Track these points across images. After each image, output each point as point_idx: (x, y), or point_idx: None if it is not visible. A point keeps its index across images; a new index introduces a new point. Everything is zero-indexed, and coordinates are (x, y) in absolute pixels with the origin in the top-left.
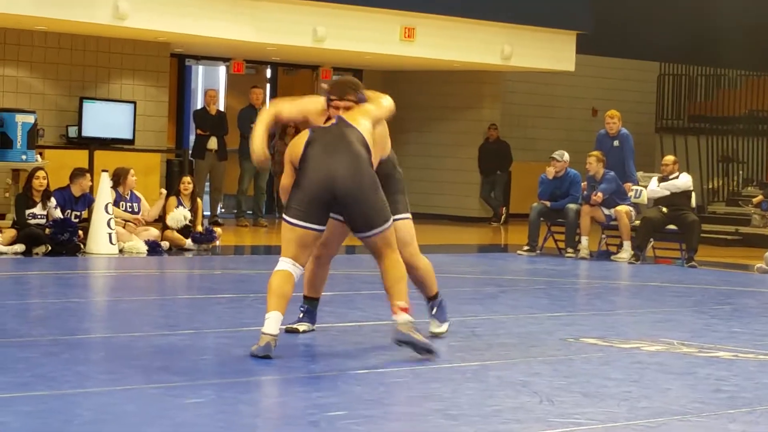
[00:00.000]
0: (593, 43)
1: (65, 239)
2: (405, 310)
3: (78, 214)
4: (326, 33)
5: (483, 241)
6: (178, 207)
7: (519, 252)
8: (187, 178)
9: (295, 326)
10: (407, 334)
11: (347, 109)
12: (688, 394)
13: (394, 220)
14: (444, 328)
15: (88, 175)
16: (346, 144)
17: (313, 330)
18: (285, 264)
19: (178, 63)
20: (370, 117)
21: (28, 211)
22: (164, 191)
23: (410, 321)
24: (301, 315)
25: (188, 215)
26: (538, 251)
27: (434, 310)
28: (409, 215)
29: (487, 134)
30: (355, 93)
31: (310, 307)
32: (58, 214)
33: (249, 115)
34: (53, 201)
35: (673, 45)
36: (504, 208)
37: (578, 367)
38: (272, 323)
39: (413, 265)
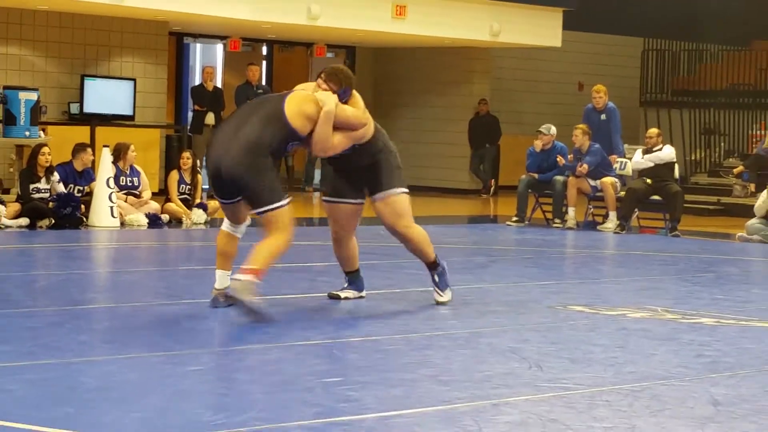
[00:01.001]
0: (579, 19)
1: (68, 213)
2: (248, 271)
3: (80, 188)
4: (320, 11)
5: (473, 212)
6: (184, 192)
7: (508, 223)
8: (186, 153)
9: (337, 292)
10: (235, 289)
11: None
12: (671, 359)
13: (389, 195)
14: (447, 296)
15: (89, 149)
16: (245, 120)
17: (362, 297)
18: (224, 225)
19: (176, 41)
20: (315, 108)
21: (32, 186)
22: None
23: (249, 282)
24: (346, 285)
25: (203, 215)
26: (527, 222)
27: (435, 277)
28: (404, 189)
29: (478, 109)
30: (339, 84)
31: (351, 278)
32: (61, 188)
33: (246, 91)
34: (56, 176)
35: (657, 21)
36: (493, 181)
37: (566, 333)
38: (218, 279)
39: (407, 237)
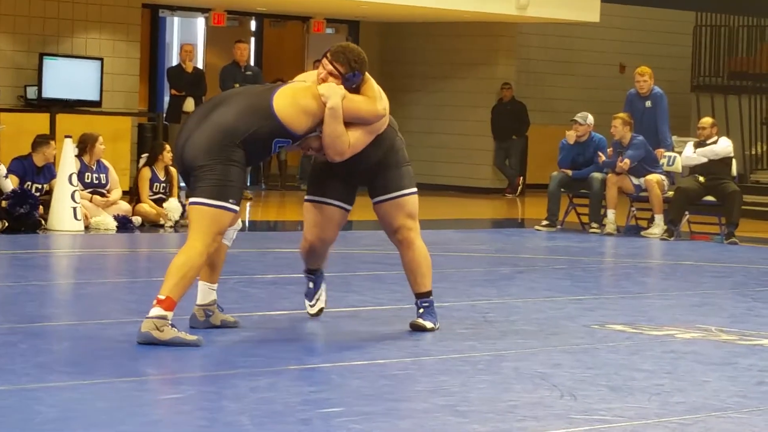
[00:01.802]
0: None
1: (24, 212)
2: (159, 302)
3: (39, 186)
4: None
5: (497, 215)
6: (158, 191)
7: (537, 227)
8: (167, 147)
9: (313, 304)
10: (146, 333)
11: (330, 73)
12: (727, 387)
13: (400, 195)
14: (430, 325)
15: (52, 143)
16: (221, 105)
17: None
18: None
19: (150, 14)
20: (314, 101)
21: None
22: None
23: (160, 316)
24: (311, 285)
25: (179, 207)
26: (559, 226)
27: (421, 310)
28: (414, 189)
29: (501, 94)
30: (347, 66)
31: (314, 275)
32: (9, 185)
33: (233, 73)
34: (2, 169)
35: None
36: (521, 178)
37: (604, 357)
38: (199, 294)
39: (409, 243)
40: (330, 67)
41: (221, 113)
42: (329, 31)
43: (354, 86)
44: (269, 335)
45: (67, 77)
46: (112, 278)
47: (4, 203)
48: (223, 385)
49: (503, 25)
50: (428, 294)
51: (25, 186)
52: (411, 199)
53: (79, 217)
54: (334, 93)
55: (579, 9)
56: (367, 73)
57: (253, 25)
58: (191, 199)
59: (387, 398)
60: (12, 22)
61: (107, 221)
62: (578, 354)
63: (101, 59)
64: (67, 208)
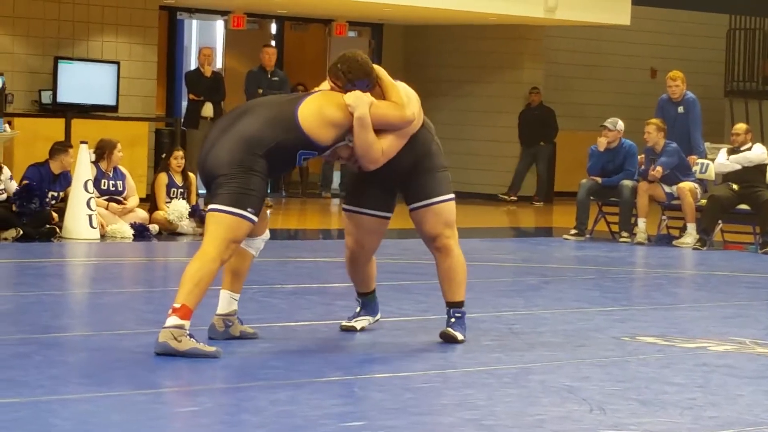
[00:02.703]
0: None
1: (36, 208)
2: (175, 311)
3: (55, 194)
4: None
5: (524, 223)
6: (176, 197)
7: (565, 236)
8: (180, 152)
9: (350, 324)
10: (164, 344)
11: (331, 90)
12: (762, 402)
13: (437, 202)
14: (460, 336)
15: (71, 151)
16: (247, 114)
17: (377, 321)
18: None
19: (168, 17)
20: (340, 112)
21: None
22: None
23: (177, 325)
24: (359, 309)
25: (187, 207)
26: (588, 235)
27: (452, 320)
28: (451, 195)
29: (529, 99)
30: (341, 79)
31: (365, 301)
32: (14, 185)
33: (258, 78)
34: (6, 172)
35: None
36: (536, 190)
37: (634, 370)
38: (220, 302)
39: (447, 250)
40: (332, 84)
41: (245, 123)
42: (352, 34)
43: (368, 91)
44: (289, 346)
45: (83, 81)
46: (129, 288)
47: (13, 206)
48: (242, 397)
49: (530, 27)
50: (461, 304)
51: (36, 196)
52: (448, 206)
53: (94, 224)
54: (362, 102)
55: (609, 11)
56: (387, 78)
57: (273, 28)
58: (210, 206)
59: (411, 412)
60: (26, 24)
61: (124, 229)
62: (608, 367)
63: (118, 63)
64: (82, 216)
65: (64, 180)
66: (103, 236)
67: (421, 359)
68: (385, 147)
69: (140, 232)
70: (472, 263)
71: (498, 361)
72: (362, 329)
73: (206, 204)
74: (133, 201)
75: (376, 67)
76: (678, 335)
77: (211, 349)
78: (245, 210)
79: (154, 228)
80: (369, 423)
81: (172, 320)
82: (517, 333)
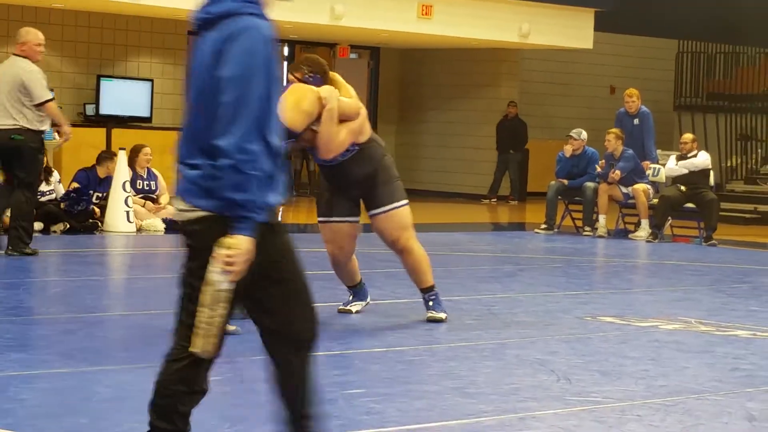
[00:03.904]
0: (612, 20)
1: (82, 209)
2: None
3: (100, 194)
4: (344, 11)
5: (501, 219)
6: None
7: (536, 230)
8: None
9: (346, 307)
10: None
11: (289, 82)
12: (705, 373)
13: (393, 208)
14: (443, 315)
15: (116, 158)
16: None
17: (368, 304)
18: None
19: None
20: (312, 105)
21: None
22: None
23: None
24: (351, 297)
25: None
26: (556, 229)
27: (430, 302)
28: (405, 201)
29: (506, 111)
30: (301, 72)
31: (354, 290)
32: (61, 188)
33: None
34: (56, 175)
35: (692, 22)
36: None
37: (595, 345)
38: None
39: (408, 250)
40: (291, 77)
41: None
42: (353, 56)
43: (320, 86)
44: None
45: (122, 96)
46: (160, 274)
47: (62, 205)
48: (258, 368)
49: (507, 51)
50: (432, 287)
51: (89, 195)
52: (402, 211)
53: (131, 219)
54: (333, 97)
55: (574, 37)
56: (339, 77)
57: (285, 50)
58: None
59: (403, 381)
60: (73, 47)
61: (157, 224)
62: (573, 342)
63: (151, 80)
64: (121, 212)
65: (107, 182)
66: (138, 230)
67: (412, 336)
68: (342, 138)
69: (171, 226)
70: (455, 253)
71: (478, 338)
72: (357, 312)
73: None
74: (164, 199)
75: (331, 72)
76: (633, 315)
77: (232, 327)
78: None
79: None
80: (368, 390)
81: None
82: (495, 313)
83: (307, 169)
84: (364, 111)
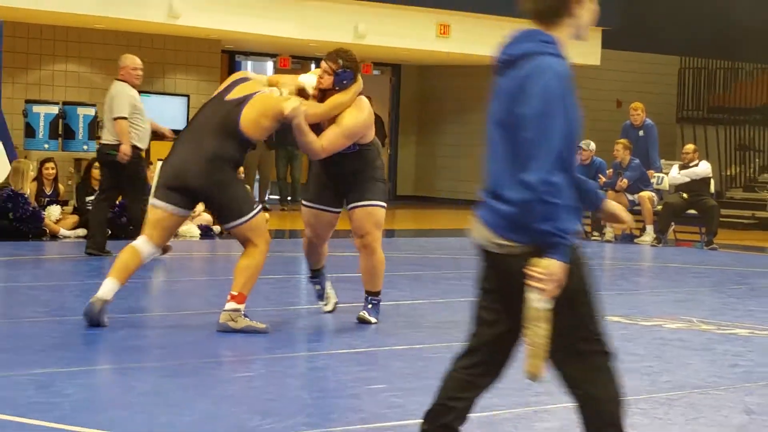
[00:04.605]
0: (618, 38)
1: (124, 223)
2: (233, 297)
3: None
4: (367, 30)
5: None
6: None
7: None
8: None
9: (327, 308)
10: (224, 324)
11: (325, 71)
12: (706, 369)
13: (371, 205)
14: (374, 320)
15: (152, 167)
16: (206, 132)
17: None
18: (138, 240)
19: (228, 59)
20: (271, 121)
21: (87, 198)
22: None
23: (233, 308)
24: (318, 287)
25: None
26: None
27: (369, 306)
28: (383, 203)
29: None
30: (337, 64)
31: (317, 275)
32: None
33: None
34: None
35: (693, 40)
36: None
37: None
38: (103, 287)
39: (372, 250)
40: (325, 65)
41: (210, 145)
42: (376, 72)
43: (343, 83)
44: (324, 324)
45: (159, 111)
46: (196, 277)
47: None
48: (287, 365)
49: None
50: (378, 293)
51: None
52: (379, 211)
53: None
54: (299, 113)
55: (583, 54)
56: (356, 90)
57: (312, 67)
58: (227, 226)
59: (423, 377)
60: (115, 65)
61: (192, 230)
62: None
63: (187, 96)
64: None
65: (147, 191)
66: (175, 235)
67: (430, 334)
68: (326, 144)
69: (205, 232)
70: (470, 258)
71: None
72: (336, 305)
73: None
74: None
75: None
76: (639, 315)
77: (262, 325)
78: (251, 211)
79: (216, 229)
80: (389, 386)
81: (231, 305)
82: None
83: (310, 171)
84: (370, 119)
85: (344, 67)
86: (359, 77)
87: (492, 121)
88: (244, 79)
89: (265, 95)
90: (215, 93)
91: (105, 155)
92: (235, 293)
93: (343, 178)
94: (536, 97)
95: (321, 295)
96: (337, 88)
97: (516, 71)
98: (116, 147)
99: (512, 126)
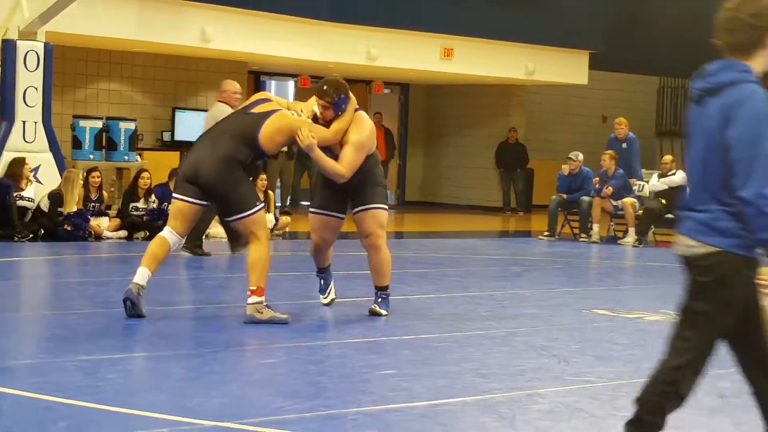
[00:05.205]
0: (603, 60)
1: (160, 225)
2: (253, 292)
3: None
4: (378, 53)
5: (510, 227)
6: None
7: (540, 237)
8: (263, 176)
9: (326, 300)
10: (250, 316)
11: (323, 107)
12: None
13: (374, 207)
14: (384, 312)
15: None
16: (223, 135)
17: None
18: (164, 231)
19: (254, 79)
20: (285, 137)
21: (132, 204)
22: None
23: (257, 302)
24: (322, 282)
25: (272, 219)
26: (557, 236)
27: (379, 299)
28: (386, 206)
29: (508, 135)
30: (331, 96)
31: (324, 274)
32: (154, 204)
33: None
34: (153, 197)
35: (671, 62)
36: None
37: (590, 333)
38: (138, 274)
39: (376, 247)
40: (321, 102)
41: (225, 147)
42: (386, 91)
43: (342, 110)
44: (340, 316)
45: (193, 125)
46: (225, 274)
47: (145, 218)
48: (306, 353)
49: (515, 86)
50: (386, 288)
51: (163, 205)
52: (382, 213)
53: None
54: (313, 146)
55: (572, 74)
56: (362, 113)
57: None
58: (231, 218)
59: (428, 363)
60: (152, 84)
61: (221, 231)
62: (571, 331)
63: None
64: None
65: None
66: (206, 236)
67: (436, 326)
68: (346, 164)
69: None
70: (471, 256)
71: (491, 327)
72: (332, 300)
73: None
74: None
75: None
76: (622, 308)
77: (284, 316)
78: (252, 208)
79: None
80: (398, 371)
81: (253, 299)
82: (505, 307)
83: (309, 179)
84: (373, 129)
85: (337, 96)
86: (351, 95)
87: (693, 144)
88: (266, 99)
89: (284, 114)
90: (239, 107)
91: None
92: (253, 288)
93: (347, 185)
94: (745, 121)
95: (323, 290)
96: (338, 114)
97: (719, 99)
98: None
99: (719, 148)
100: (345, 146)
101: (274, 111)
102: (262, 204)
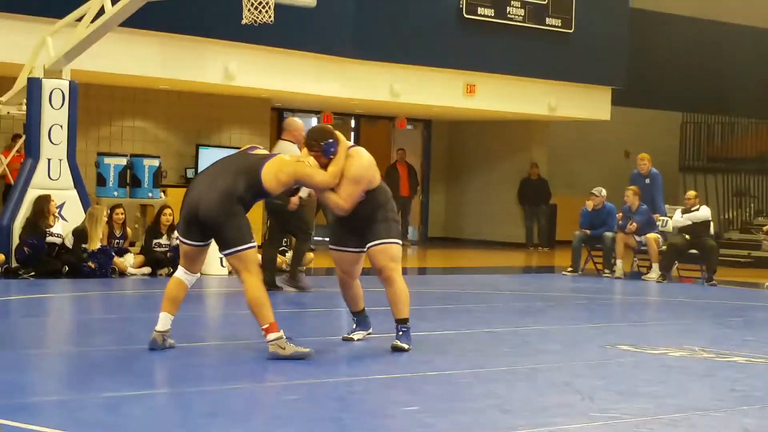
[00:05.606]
0: (626, 96)
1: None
2: (268, 330)
3: None
4: (401, 89)
5: (533, 263)
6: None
7: (564, 272)
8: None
9: (349, 335)
10: (273, 352)
11: (315, 157)
12: (707, 393)
13: (385, 243)
14: (406, 346)
15: None
16: (223, 172)
17: (370, 334)
18: (179, 272)
19: (277, 115)
20: (288, 177)
21: (155, 241)
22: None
23: (277, 338)
24: (355, 326)
25: (312, 256)
26: (580, 272)
27: (400, 333)
28: (398, 240)
29: (530, 171)
30: (318, 146)
31: (358, 318)
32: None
33: None
34: (176, 234)
35: (694, 97)
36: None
37: (614, 369)
38: (160, 321)
39: (391, 280)
40: (312, 153)
41: (225, 182)
42: (409, 127)
43: (332, 154)
44: (363, 352)
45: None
46: (248, 310)
47: (169, 255)
48: (329, 389)
49: (538, 122)
50: (406, 321)
51: None
52: (394, 247)
53: (224, 264)
54: (305, 175)
55: (594, 109)
56: (357, 148)
57: (352, 122)
58: (225, 252)
59: (452, 399)
60: (177, 122)
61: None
62: (595, 367)
63: (239, 148)
64: (215, 258)
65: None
66: (229, 273)
67: (458, 362)
68: (344, 196)
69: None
70: (495, 292)
71: (515, 363)
72: (358, 340)
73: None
74: None
75: (339, 136)
76: (646, 344)
77: (306, 349)
78: (247, 243)
79: None
80: (422, 407)
81: (270, 336)
82: (528, 342)
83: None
84: (372, 163)
85: (323, 141)
86: (340, 137)
87: None
88: (257, 147)
89: (283, 157)
90: (238, 151)
91: (274, 204)
92: (266, 326)
93: (358, 221)
94: None
95: (350, 331)
96: (330, 158)
97: None
98: (278, 197)
99: None
100: (341, 180)
101: (274, 154)
102: (254, 243)
